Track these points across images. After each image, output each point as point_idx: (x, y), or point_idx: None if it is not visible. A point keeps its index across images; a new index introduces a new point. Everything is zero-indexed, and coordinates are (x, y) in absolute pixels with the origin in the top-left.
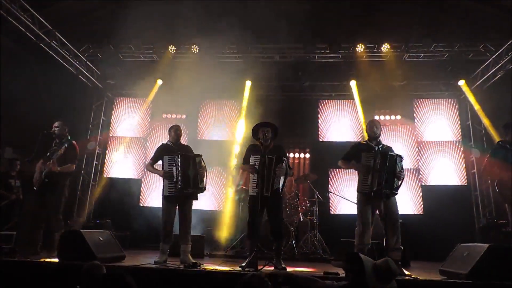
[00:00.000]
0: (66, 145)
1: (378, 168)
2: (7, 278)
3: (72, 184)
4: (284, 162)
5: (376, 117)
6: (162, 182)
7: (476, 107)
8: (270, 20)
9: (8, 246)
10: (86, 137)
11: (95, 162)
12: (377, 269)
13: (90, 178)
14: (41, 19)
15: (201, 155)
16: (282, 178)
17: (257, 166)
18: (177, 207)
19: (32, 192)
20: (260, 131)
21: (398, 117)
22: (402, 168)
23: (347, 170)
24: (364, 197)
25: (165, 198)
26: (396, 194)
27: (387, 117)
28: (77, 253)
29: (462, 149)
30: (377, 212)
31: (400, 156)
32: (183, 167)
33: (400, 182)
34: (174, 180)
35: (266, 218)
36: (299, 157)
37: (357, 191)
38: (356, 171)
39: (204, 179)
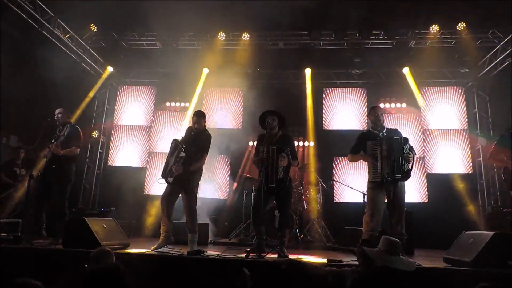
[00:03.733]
0: (69, 129)
1: (386, 155)
2: (13, 265)
3: (77, 172)
4: (286, 151)
5: (382, 105)
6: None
7: None
8: (274, 6)
9: (14, 234)
10: (90, 125)
11: (99, 150)
12: (382, 249)
13: (95, 166)
14: (43, 6)
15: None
16: (282, 168)
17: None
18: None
19: (37, 178)
20: (266, 119)
21: (404, 105)
22: (410, 149)
23: None
24: (375, 185)
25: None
26: (409, 177)
27: (392, 105)
28: (81, 240)
29: (468, 137)
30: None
31: (405, 138)
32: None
33: (410, 165)
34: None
35: (270, 206)
36: (303, 145)
37: (369, 181)
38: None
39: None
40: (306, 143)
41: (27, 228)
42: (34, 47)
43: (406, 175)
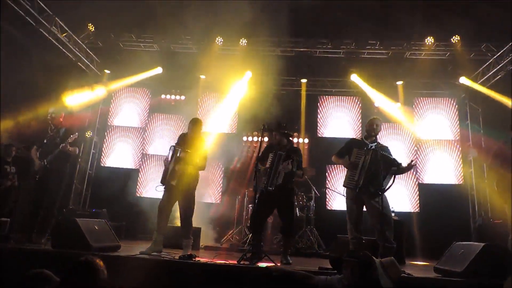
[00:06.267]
0: (66, 132)
1: (367, 166)
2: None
3: (69, 172)
4: (292, 160)
5: (376, 105)
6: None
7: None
8: (272, 13)
9: (2, 233)
10: (84, 125)
11: (92, 150)
12: (384, 267)
13: (87, 166)
14: (41, 3)
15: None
16: (283, 174)
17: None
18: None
19: (30, 178)
20: (277, 135)
21: (398, 104)
22: (394, 175)
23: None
24: (351, 192)
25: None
26: (381, 194)
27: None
28: (72, 241)
29: (460, 148)
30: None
31: (396, 162)
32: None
33: (388, 185)
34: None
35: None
36: (297, 142)
37: (343, 185)
38: None
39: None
40: (300, 140)
41: (17, 227)
42: (31, 45)
43: (379, 191)
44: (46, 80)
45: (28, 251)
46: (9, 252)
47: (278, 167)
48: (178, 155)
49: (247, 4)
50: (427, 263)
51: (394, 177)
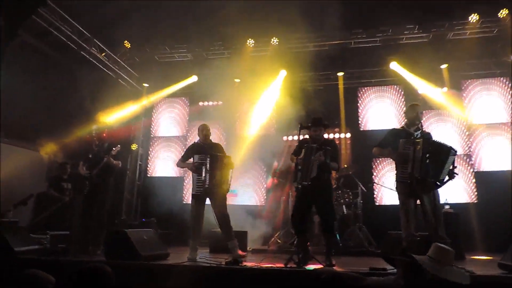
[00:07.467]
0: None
1: (420, 156)
2: (61, 277)
3: (119, 184)
4: (325, 151)
5: (420, 92)
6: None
7: None
8: (301, 8)
9: (63, 245)
10: (129, 138)
11: (138, 162)
12: (432, 257)
13: (135, 177)
14: (80, 27)
15: (230, 156)
16: (316, 165)
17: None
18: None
19: (82, 192)
20: (312, 129)
21: (445, 89)
22: (453, 164)
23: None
24: (404, 186)
25: (193, 196)
26: (440, 186)
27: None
28: (122, 252)
29: None
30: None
31: (453, 150)
32: (211, 167)
33: (448, 177)
34: (202, 179)
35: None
36: (339, 137)
37: (397, 180)
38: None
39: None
40: (342, 135)
41: (74, 240)
42: (75, 67)
43: (438, 183)
44: (91, 98)
45: (84, 262)
46: (67, 264)
47: (310, 159)
48: (207, 161)
49: (275, 2)
50: (490, 258)
51: (453, 165)
